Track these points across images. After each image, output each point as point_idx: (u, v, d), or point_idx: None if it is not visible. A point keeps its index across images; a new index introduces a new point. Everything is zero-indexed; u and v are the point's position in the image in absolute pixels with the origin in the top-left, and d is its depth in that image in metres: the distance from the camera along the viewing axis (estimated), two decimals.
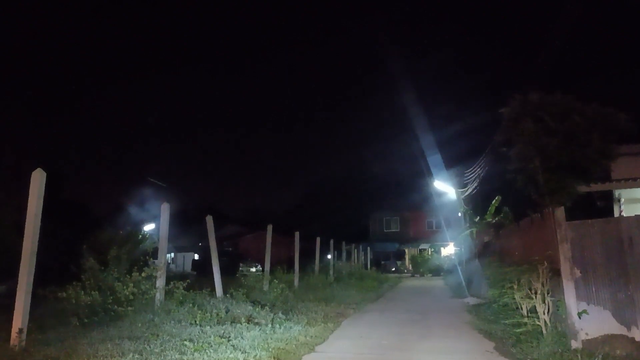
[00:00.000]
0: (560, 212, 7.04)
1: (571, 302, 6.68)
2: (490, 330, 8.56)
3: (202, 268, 27.16)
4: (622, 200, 13.74)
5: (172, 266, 40.04)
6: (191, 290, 9.80)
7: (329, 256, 23.71)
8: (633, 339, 6.40)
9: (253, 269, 30.38)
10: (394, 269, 40.13)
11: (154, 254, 10.35)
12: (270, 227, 14.26)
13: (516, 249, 10.97)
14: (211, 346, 6.56)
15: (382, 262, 41.98)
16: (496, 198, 16.53)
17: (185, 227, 31.39)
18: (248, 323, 8.30)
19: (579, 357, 6.08)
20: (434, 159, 27.24)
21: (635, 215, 7.03)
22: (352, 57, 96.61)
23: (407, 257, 44.18)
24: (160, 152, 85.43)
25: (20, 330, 6.12)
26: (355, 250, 31.02)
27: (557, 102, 8.18)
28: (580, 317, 6.58)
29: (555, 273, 7.12)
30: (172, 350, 6.24)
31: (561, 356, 6.23)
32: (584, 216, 7.43)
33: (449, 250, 37.65)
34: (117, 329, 7.21)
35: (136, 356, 5.92)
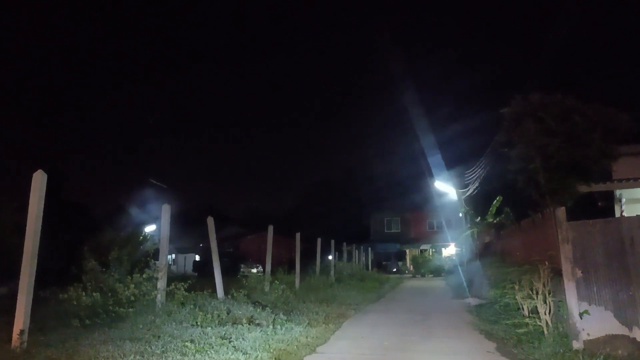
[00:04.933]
0: (561, 213, 7.03)
1: (572, 302, 6.67)
2: (491, 331, 8.55)
3: (203, 269, 27.16)
4: (624, 200, 13.73)
5: (173, 267, 40.06)
6: (192, 292, 9.79)
7: (330, 257, 23.68)
8: (634, 339, 6.39)
9: (254, 270, 30.39)
10: (395, 270, 40.11)
11: (155, 255, 10.32)
12: (271, 228, 14.24)
13: (517, 249, 10.97)
14: (212, 347, 6.55)
15: (383, 263, 41.98)
16: (497, 198, 16.53)
17: (186, 228, 31.40)
18: (249, 324, 8.29)
19: (581, 357, 6.07)
20: (435, 159, 27.27)
21: (637, 215, 7.01)
22: (352, 57, 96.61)
23: (408, 257, 44.14)
24: (161, 153, 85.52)
25: (22, 332, 6.11)
26: (356, 251, 30.97)
27: (558, 103, 8.19)
28: (581, 318, 6.57)
29: (557, 273, 7.12)
30: (173, 351, 6.24)
31: (563, 356, 6.23)
32: (585, 216, 7.42)
33: (450, 250, 37.64)
34: (119, 331, 7.20)
35: (137, 357, 5.91)
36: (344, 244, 26.78)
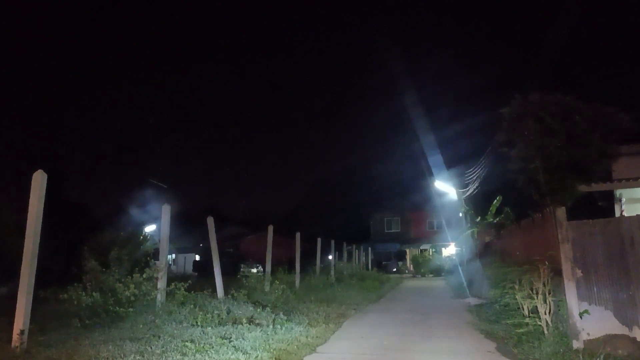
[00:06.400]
0: (561, 212, 7.03)
1: (572, 302, 6.67)
2: (491, 331, 8.55)
3: (203, 269, 27.17)
4: (624, 200, 13.72)
5: (173, 267, 40.09)
6: (192, 292, 9.78)
7: (330, 257, 23.69)
8: (635, 338, 6.39)
9: (254, 270, 30.36)
10: (395, 270, 40.09)
11: (155, 255, 10.33)
12: (271, 228, 14.23)
13: (517, 249, 10.96)
14: (212, 347, 6.55)
15: (383, 263, 41.96)
16: (497, 198, 16.54)
17: (186, 228, 31.40)
18: (249, 324, 8.29)
19: (581, 357, 6.06)
20: (435, 159, 27.30)
21: (637, 215, 7.00)
22: (352, 57, 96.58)
23: (408, 257, 44.14)
24: (161, 153, 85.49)
25: (22, 332, 6.11)
26: (357, 250, 30.97)
27: (558, 102, 8.19)
28: (581, 317, 6.58)
29: (557, 273, 7.11)
30: (173, 351, 6.23)
31: (563, 356, 6.22)
32: (585, 216, 7.42)
33: (450, 250, 37.63)
34: (119, 330, 7.21)
35: (137, 357, 5.91)
36: (344, 243, 26.78)
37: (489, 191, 18.64)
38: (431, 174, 27.91)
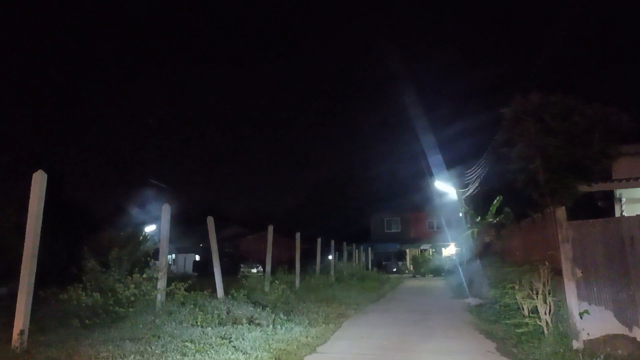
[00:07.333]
0: (561, 212, 7.03)
1: (572, 302, 6.67)
2: (491, 331, 8.55)
3: (203, 269, 27.21)
4: (624, 200, 13.72)
5: (173, 267, 40.12)
6: (192, 292, 9.78)
7: (330, 257, 23.68)
8: (634, 339, 6.39)
9: (254, 270, 30.37)
10: (395, 270, 40.09)
11: (155, 255, 10.33)
12: (271, 228, 14.23)
13: (517, 249, 10.97)
14: (212, 347, 6.56)
15: (383, 263, 41.95)
16: (497, 198, 16.53)
17: (186, 228, 31.39)
18: (249, 324, 8.29)
19: (581, 357, 6.07)
20: (435, 159, 27.26)
21: (637, 215, 7.01)
22: (353, 57, 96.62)
23: (408, 257, 44.15)
24: (161, 153, 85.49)
25: (22, 332, 6.11)
26: (356, 250, 30.97)
27: (558, 103, 8.20)
28: (581, 317, 6.57)
29: (557, 273, 7.12)
30: (173, 351, 6.24)
31: (563, 356, 6.23)
32: (585, 216, 7.43)
33: (450, 250, 37.62)
34: (119, 330, 7.21)
35: (137, 357, 5.91)
36: (344, 243, 26.79)
37: (489, 191, 18.63)
38: (431, 174, 27.92)
